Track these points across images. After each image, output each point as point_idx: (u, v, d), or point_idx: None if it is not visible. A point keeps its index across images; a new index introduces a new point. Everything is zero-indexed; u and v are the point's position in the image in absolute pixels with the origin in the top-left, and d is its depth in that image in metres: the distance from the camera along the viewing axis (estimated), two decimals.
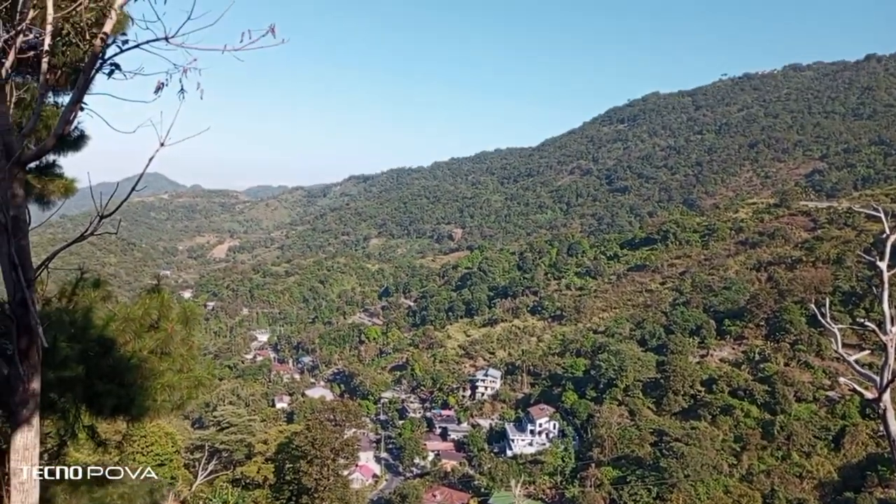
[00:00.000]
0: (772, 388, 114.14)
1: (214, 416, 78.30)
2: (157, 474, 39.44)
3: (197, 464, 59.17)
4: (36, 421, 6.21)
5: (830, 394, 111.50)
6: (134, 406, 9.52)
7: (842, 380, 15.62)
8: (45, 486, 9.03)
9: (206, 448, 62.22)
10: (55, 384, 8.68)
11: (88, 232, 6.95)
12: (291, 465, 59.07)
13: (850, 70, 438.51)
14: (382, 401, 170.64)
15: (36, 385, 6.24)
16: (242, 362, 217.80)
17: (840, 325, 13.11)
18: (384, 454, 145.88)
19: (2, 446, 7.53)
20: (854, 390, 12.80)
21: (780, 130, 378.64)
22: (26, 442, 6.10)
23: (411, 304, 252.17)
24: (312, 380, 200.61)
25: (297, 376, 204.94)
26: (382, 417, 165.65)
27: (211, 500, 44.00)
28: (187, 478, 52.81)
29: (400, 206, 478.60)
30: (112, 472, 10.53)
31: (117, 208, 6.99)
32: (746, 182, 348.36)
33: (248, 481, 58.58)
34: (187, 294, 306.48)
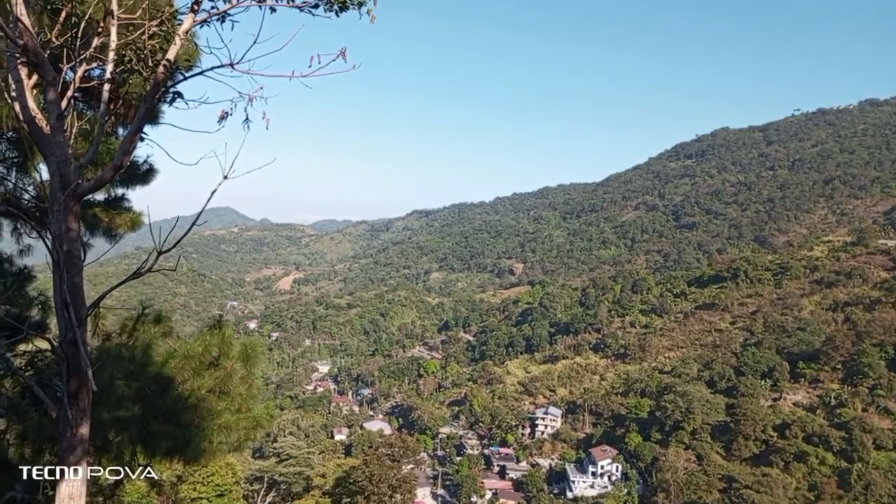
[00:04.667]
0: (849, 434, 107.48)
1: (274, 448, 78.65)
2: None
3: (256, 495, 59.40)
4: (83, 469, 5.89)
5: None
6: (190, 447, 9.21)
7: None
8: None
9: (266, 479, 62.39)
10: (110, 423, 8.44)
11: (146, 268, 6.70)
12: (349, 500, 58.52)
13: None
14: (440, 436, 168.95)
15: (85, 430, 5.95)
16: (303, 393, 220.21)
17: None
18: (441, 491, 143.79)
19: (49, 493, 7.23)
20: None
21: (857, 167, 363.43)
22: (72, 491, 5.79)
23: (471, 338, 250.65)
24: (371, 412, 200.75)
25: (356, 408, 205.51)
26: (440, 453, 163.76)
27: None
28: None
29: (461, 241, 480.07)
30: None
31: (175, 245, 6.74)
32: (821, 219, 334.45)
33: None
34: (253, 325, 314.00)
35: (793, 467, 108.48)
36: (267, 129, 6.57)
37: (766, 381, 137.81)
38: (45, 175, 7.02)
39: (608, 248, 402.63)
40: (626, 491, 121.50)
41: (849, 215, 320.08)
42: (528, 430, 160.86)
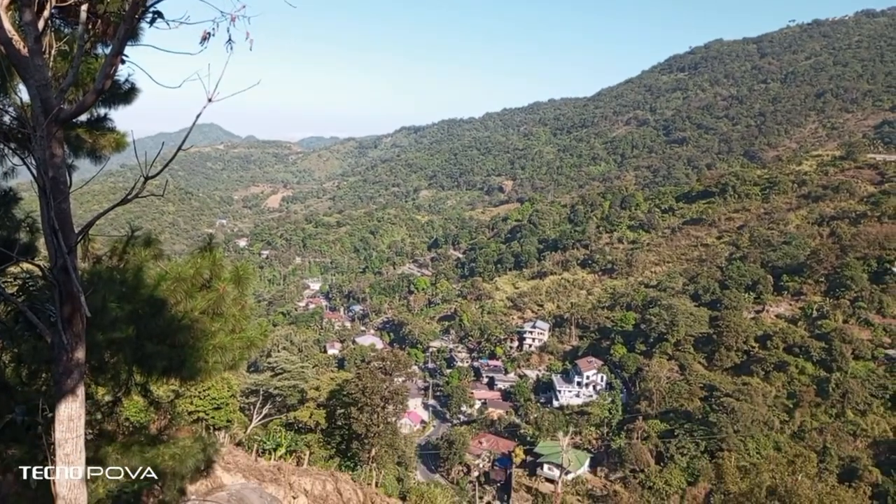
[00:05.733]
0: (829, 345, 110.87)
1: (269, 362, 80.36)
2: (213, 417, 40.63)
3: (252, 407, 61.11)
4: (81, 391, 6.06)
5: (890, 352, 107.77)
6: (185, 367, 9.42)
7: None
8: (96, 446, 9.05)
9: (261, 393, 63.98)
10: (105, 345, 8.59)
11: (133, 195, 6.65)
12: (342, 412, 60.35)
13: None
14: (431, 350, 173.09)
15: (80, 354, 6.06)
16: (295, 309, 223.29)
17: None
18: (432, 401, 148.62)
19: (48, 415, 7.44)
20: None
21: (850, 80, 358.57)
22: (71, 412, 5.95)
23: (460, 255, 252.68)
24: (363, 328, 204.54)
25: (347, 324, 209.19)
26: (431, 366, 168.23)
27: (265, 442, 45.33)
28: (242, 421, 54.49)
29: (451, 158, 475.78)
30: (164, 431, 10.56)
31: (162, 170, 6.66)
32: (811, 133, 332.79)
33: (300, 426, 60.17)
34: (242, 243, 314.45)
35: (773, 376, 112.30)
36: (251, 49, 6.40)
37: (749, 294, 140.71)
38: (26, 97, 6.84)
39: (598, 164, 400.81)
40: (610, 399, 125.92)
41: (839, 129, 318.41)
42: (516, 344, 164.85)
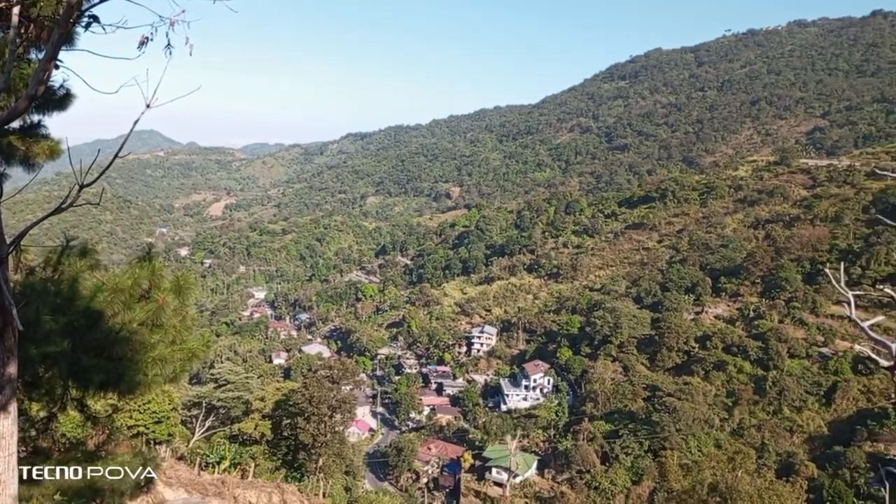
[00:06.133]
0: (765, 344, 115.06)
1: (212, 374, 78.63)
2: (154, 431, 39.48)
3: (194, 420, 59.68)
4: (13, 407, 5.87)
5: (824, 350, 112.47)
6: (123, 381, 9.19)
7: (857, 347, 15.48)
8: (31, 464, 8.76)
9: (204, 405, 62.56)
10: (39, 360, 8.33)
11: (67, 203, 6.50)
12: (289, 422, 59.54)
13: (855, 26, 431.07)
14: (379, 357, 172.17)
15: (12, 369, 5.88)
16: (240, 319, 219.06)
17: (856, 292, 12.81)
18: (380, 409, 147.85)
19: None
20: (869, 358, 12.59)
21: (783, 87, 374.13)
22: (2, 430, 5.77)
23: (408, 262, 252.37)
24: (309, 336, 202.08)
25: (294, 333, 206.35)
26: (379, 373, 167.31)
27: (208, 455, 44.33)
28: (184, 434, 53.19)
29: (398, 164, 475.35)
30: (102, 447, 10.27)
31: (98, 178, 6.53)
32: (747, 140, 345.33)
33: (245, 437, 59.05)
34: (184, 252, 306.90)
35: (712, 376, 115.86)
36: (191, 54, 6.36)
37: (689, 295, 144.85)
38: None
39: (543, 170, 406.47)
40: (556, 402, 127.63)
41: (773, 135, 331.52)
42: (464, 349, 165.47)
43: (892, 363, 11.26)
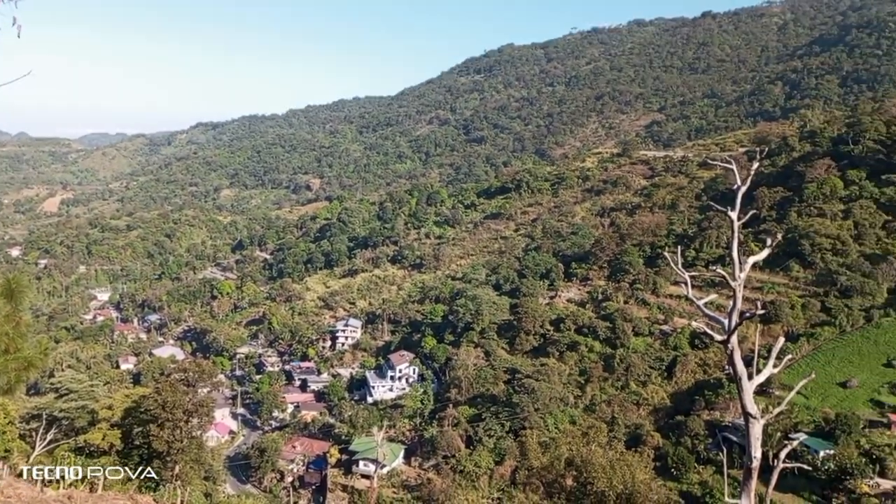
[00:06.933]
0: (613, 324, 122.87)
1: (52, 383, 72.34)
2: None
3: (34, 434, 54.69)
4: None
5: (664, 328, 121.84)
6: None
7: (693, 323, 16.70)
8: None
9: (44, 417, 57.49)
10: None
11: None
12: (141, 430, 56.06)
13: (688, 26, 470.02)
14: (238, 356, 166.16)
15: None
16: (81, 323, 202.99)
17: (692, 273, 13.78)
18: (241, 410, 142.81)
19: None
20: (705, 333, 13.58)
21: (624, 83, 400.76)
22: None
23: (267, 256, 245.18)
24: (161, 338, 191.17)
25: (143, 336, 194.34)
26: (238, 373, 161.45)
27: (52, 470, 40.60)
28: (24, 449, 48.63)
29: (253, 156, 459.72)
30: None
31: None
32: (593, 133, 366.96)
33: (92, 449, 54.89)
34: (15, 252, 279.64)
35: (566, 356, 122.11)
36: (19, 36, 5.57)
37: (544, 281, 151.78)
38: None
39: (404, 161, 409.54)
40: (422, 390, 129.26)
41: (616, 129, 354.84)
42: (329, 343, 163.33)
43: (724, 337, 12.24)
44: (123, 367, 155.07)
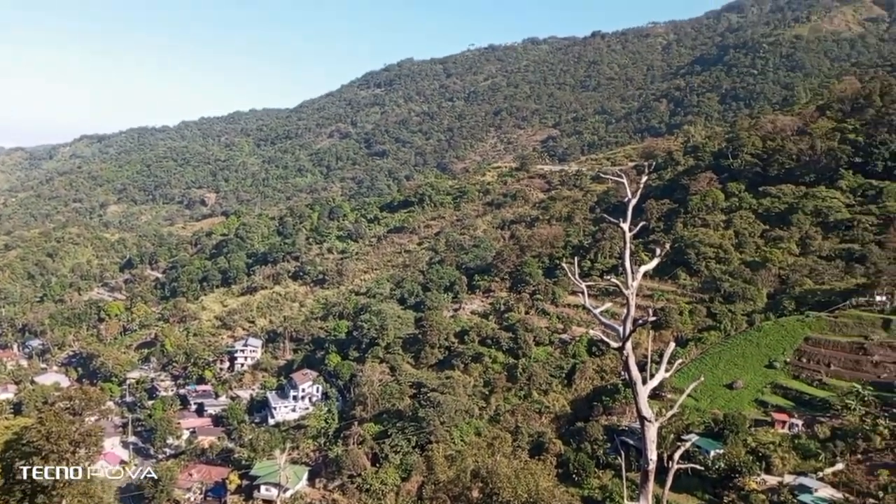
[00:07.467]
0: (515, 334, 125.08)
1: None
2: None
3: None
4: None
5: (564, 336, 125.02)
6: None
7: (591, 331, 16.97)
8: None
9: None
10: None
11: None
12: (23, 462, 52.30)
13: (579, 45, 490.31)
14: (129, 381, 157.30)
15: None
16: None
17: (588, 283, 13.91)
18: (132, 438, 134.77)
19: None
20: (601, 340, 13.75)
21: (521, 99, 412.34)
22: None
23: (159, 275, 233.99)
24: (43, 365, 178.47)
25: (24, 362, 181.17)
26: (129, 399, 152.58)
27: None
28: None
29: (143, 170, 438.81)
30: None
31: None
32: (492, 147, 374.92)
33: None
34: None
35: (471, 368, 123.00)
36: None
37: (448, 294, 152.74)
38: None
39: (305, 175, 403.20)
40: (326, 409, 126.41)
41: (514, 143, 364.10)
42: (227, 364, 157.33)
43: (620, 344, 12.45)
44: (2, 396, 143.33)
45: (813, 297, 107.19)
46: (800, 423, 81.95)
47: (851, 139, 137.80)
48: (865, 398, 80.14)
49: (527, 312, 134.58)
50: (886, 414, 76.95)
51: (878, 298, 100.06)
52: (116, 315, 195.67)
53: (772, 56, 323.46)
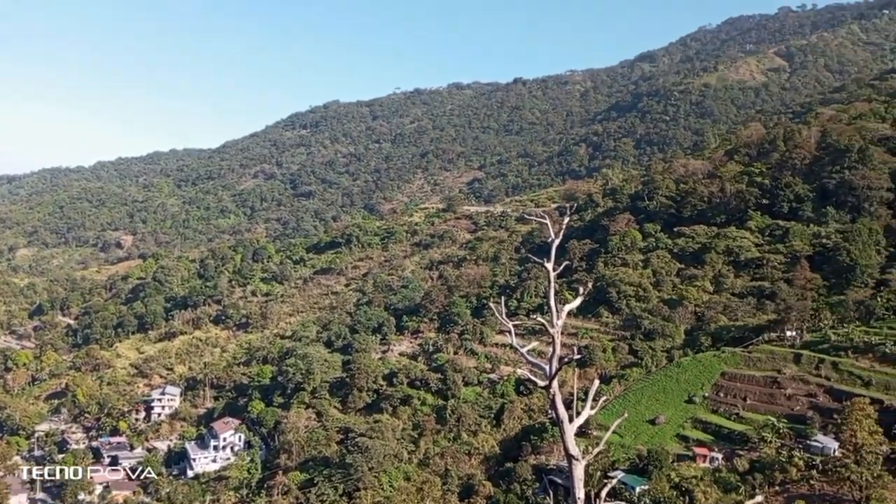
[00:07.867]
0: (444, 375, 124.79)
1: None
2: None
3: None
4: None
5: (492, 376, 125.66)
6: None
7: (518, 370, 17.16)
8: None
9: None
10: None
11: None
12: None
13: (501, 91, 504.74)
14: (37, 434, 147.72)
15: None
16: None
17: (515, 322, 14.13)
18: (41, 495, 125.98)
19: None
20: (529, 379, 13.90)
21: (446, 142, 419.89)
22: None
23: (71, 321, 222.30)
24: None
25: None
26: (38, 453, 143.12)
27: None
28: None
29: (55, 211, 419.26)
30: None
31: None
32: (419, 188, 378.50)
33: None
34: None
35: (400, 411, 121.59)
36: None
37: (376, 335, 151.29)
38: None
39: (227, 216, 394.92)
40: (249, 459, 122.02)
41: (441, 185, 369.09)
42: (143, 414, 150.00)
43: (546, 382, 12.58)
44: None
45: (727, 333, 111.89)
46: (720, 456, 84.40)
47: (758, 182, 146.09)
48: (780, 430, 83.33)
49: (455, 353, 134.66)
50: (800, 445, 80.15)
51: (788, 333, 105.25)
52: (24, 364, 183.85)
53: (682, 103, 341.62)
